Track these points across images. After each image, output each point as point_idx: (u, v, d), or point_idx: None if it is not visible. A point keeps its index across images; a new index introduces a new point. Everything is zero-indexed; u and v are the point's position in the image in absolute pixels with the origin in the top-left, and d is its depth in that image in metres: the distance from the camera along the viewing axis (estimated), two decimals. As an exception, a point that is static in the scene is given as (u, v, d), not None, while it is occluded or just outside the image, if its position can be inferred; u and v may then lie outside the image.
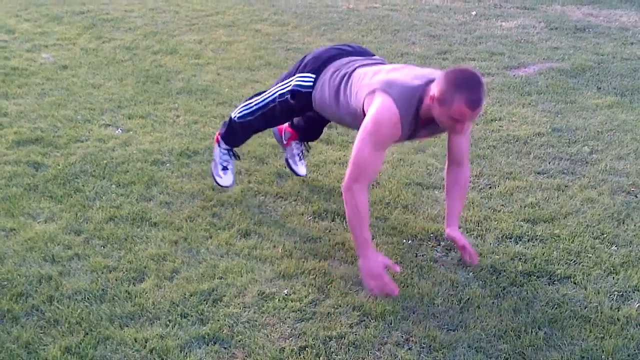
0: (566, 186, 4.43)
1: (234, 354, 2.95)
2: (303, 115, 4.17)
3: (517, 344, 3.03)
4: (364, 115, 3.33)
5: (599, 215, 4.07)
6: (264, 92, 3.95)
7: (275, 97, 3.82)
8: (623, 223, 4.00)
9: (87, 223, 3.89)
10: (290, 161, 4.41)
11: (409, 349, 3.00)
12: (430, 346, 3.01)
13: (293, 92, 3.71)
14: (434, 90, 3.13)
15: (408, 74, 3.34)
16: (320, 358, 2.92)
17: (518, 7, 9.41)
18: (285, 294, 3.33)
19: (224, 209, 4.08)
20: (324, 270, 3.52)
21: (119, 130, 5.17)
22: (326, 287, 3.40)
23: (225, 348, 2.98)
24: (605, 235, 3.87)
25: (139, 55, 7.06)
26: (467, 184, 3.75)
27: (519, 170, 4.64)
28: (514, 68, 6.83)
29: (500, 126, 5.37)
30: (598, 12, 9.15)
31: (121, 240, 3.73)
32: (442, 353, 2.97)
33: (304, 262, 3.58)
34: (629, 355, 2.98)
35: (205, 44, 7.54)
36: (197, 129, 5.20)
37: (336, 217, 4.01)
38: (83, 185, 4.29)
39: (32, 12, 8.72)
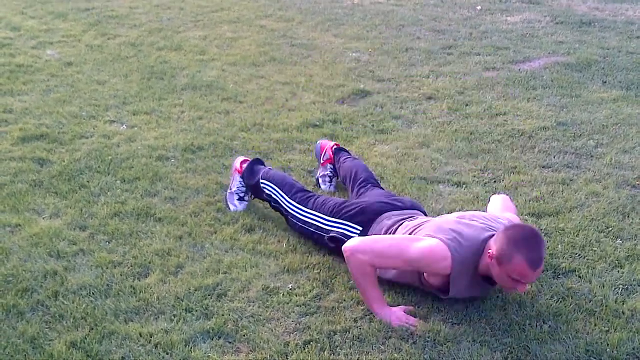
0: (571, 180, 4.42)
1: (238, 348, 2.95)
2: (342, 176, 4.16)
3: (522, 337, 3.03)
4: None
5: (604, 208, 4.06)
6: (299, 205, 3.74)
7: (312, 225, 3.66)
8: (628, 216, 3.99)
9: (92, 218, 3.89)
10: (320, 180, 4.32)
11: (414, 342, 3.00)
12: (434, 340, 3.01)
13: (334, 239, 3.53)
14: (493, 248, 3.00)
15: (466, 224, 3.20)
16: (325, 352, 2.93)
17: (523, 1, 9.38)
18: (290, 289, 3.33)
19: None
20: (328, 265, 3.52)
21: (124, 126, 5.18)
22: (330, 281, 3.40)
23: (229, 342, 2.98)
24: (610, 229, 3.86)
25: (143, 51, 7.06)
26: None
27: (523, 164, 4.63)
28: (519, 62, 6.82)
29: (505, 120, 5.36)
30: (603, 6, 9.12)
31: (126, 236, 3.74)
32: (447, 347, 2.97)
33: (308, 256, 3.58)
34: (633, 349, 2.98)
35: (210, 40, 7.54)
36: (202, 125, 5.20)
37: (341, 211, 4.00)
38: (88, 181, 4.30)
39: (37, 10, 8.73)
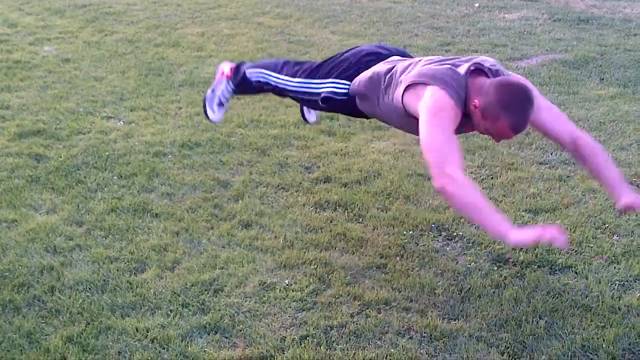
0: (568, 177, 4.42)
1: (235, 343, 2.95)
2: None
3: (518, 333, 3.03)
4: (404, 110, 3.18)
5: (601, 205, 4.07)
6: (291, 77, 3.71)
7: (304, 92, 3.67)
8: (624, 213, 3.99)
9: (88, 214, 3.89)
10: (305, 109, 4.38)
11: (410, 338, 3.00)
12: (431, 335, 3.02)
13: (325, 98, 3.56)
14: (479, 99, 2.96)
15: (445, 65, 3.17)
16: (321, 347, 2.93)
17: (521, -1, 9.39)
18: (286, 284, 3.33)
19: (226, 200, 4.09)
20: (325, 261, 3.52)
21: (121, 122, 5.18)
22: (327, 277, 3.40)
23: (226, 337, 2.98)
24: (606, 225, 3.87)
25: (141, 48, 7.06)
26: (600, 149, 3.22)
27: (520, 160, 4.63)
28: (516, 60, 6.82)
29: (502, 117, 5.36)
30: (601, 3, 9.12)
31: (123, 231, 3.74)
32: (443, 342, 2.98)
33: (305, 252, 3.58)
34: (629, 344, 2.98)
35: (207, 36, 7.54)
36: (199, 121, 5.20)
37: (337, 207, 4.01)
38: (85, 177, 4.30)
39: (34, 6, 8.72)
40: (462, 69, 3.10)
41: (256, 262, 3.51)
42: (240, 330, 3.02)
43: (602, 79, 6.24)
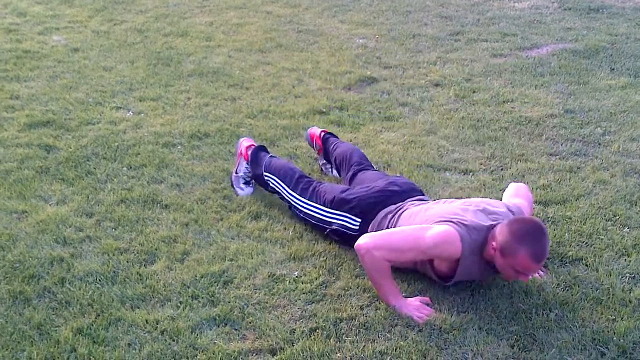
0: (578, 168, 4.41)
1: (244, 335, 2.96)
2: (333, 157, 4.18)
3: (528, 325, 3.02)
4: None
5: (611, 197, 4.05)
6: (301, 196, 3.74)
7: (313, 217, 3.67)
8: (635, 205, 3.98)
9: (98, 205, 3.90)
10: (323, 168, 4.34)
11: (419, 330, 3.00)
12: (441, 328, 3.01)
13: (336, 232, 3.57)
14: (497, 239, 3.02)
15: (471, 211, 3.21)
16: (331, 340, 2.93)
17: (531, -13, 9.33)
18: (296, 276, 3.33)
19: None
20: (334, 252, 3.52)
21: (130, 112, 5.17)
22: (337, 269, 3.40)
23: (235, 329, 2.99)
24: (617, 217, 3.85)
25: (150, 37, 7.05)
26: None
27: (531, 152, 4.62)
28: (526, 49, 6.78)
29: (512, 108, 5.34)
30: (612, -8, 9.06)
31: (132, 223, 3.74)
32: (453, 335, 2.97)
33: (314, 244, 3.58)
34: (640, 337, 2.98)
35: (216, 26, 7.52)
36: (208, 111, 5.19)
37: (347, 199, 4.00)
38: (94, 168, 4.30)
39: (43, -5, 8.72)
40: (487, 222, 3.14)
41: (265, 253, 3.51)
42: (250, 322, 3.02)
43: (613, 69, 6.20)
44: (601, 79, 5.95)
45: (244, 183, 4.08)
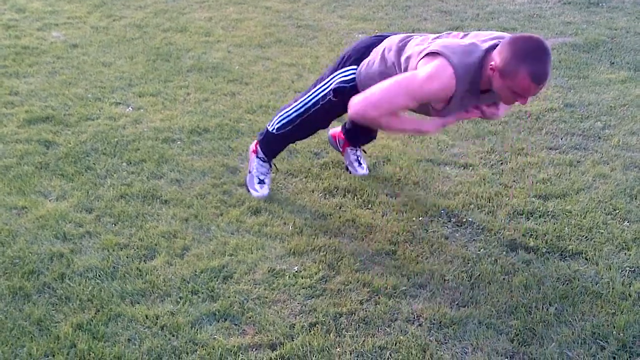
0: (578, 162, 4.40)
1: (244, 330, 2.96)
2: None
3: (528, 320, 3.02)
4: None
5: (611, 190, 4.05)
6: (301, 98, 3.74)
7: (318, 100, 3.63)
8: (635, 199, 3.98)
9: (98, 201, 3.90)
10: (350, 168, 4.25)
11: (419, 325, 3.00)
12: (440, 322, 3.01)
13: (336, 90, 3.52)
14: (496, 59, 2.91)
15: (464, 39, 3.14)
16: (331, 334, 2.93)
17: (531, -19, 9.32)
18: (296, 271, 3.33)
19: (235, 186, 4.08)
20: (334, 247, 3.52)
21: (130, 108, 5.17)
22: (336, 263, 3.40)
23: (235, 324, 2.99)
24: (617, 211, 3.85)
25: (149, 33, 7.04)
26: None
27: (530, 146, 4.61)
28: (526, 43, 6.76)
29: (512, 102, 5.33)
30: (612, -14, 9.05)
31: (132, 218, 3.74)
32: (453, 329, 2.97)
33: (314, 239, 3.58)
34: (640, 331, 2.98)
35: (215, 21, 7.51)
36: (208, 107, 5.19)
37: (347, 193, 4.00)
38: (94, 163, 4.30)
39: (42, -9, 8.70)
40: (485, 45, 3.05)
41: (265, 248, 3.51)
42: (250, 317, 3.02)
43: (613, 63, 6.20)
44: (601, 72, 5.95)
45: (258, 183, 3.99)
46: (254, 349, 2.85)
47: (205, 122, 4.90)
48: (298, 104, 3.74)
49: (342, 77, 3.52)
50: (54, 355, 2.79)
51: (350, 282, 3.26)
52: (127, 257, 3.41)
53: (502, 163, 4.40)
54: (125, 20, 7.48)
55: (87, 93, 5.42)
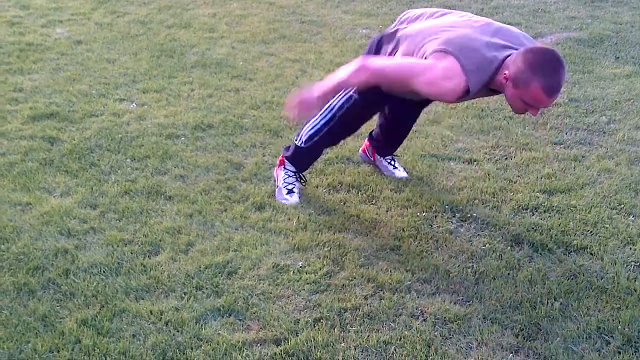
0: (583, 156, 4.39)
1: (249, 325, 2.96)
2: (380, 127, 4.10)
3: (533, 315, 3.02)
4: None
5: (616, 185, 4.04)
6: (325, 107, 3.70)
7: (343, 103, 3.61)
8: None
9: (102, 197, 3.90)
10: (387, 173, 4.19)
11: (424, 320, 3.00)
12: (445, 317, 3.01)
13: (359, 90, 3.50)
14: (510, 69, 2.89)
15: (483, 38, 3.07)
16: (335, 330, 2.93)
17: (535, -24, 9.30)
18: (300, 266, 3.33)
19: (239, 182, 4.08)
20: (338, 243, 3.51)
21: (134, 104, 5.17)
22: (341, 259, 3.39)
23: (240, 320, 2.99)
24: (622, 206, 3.84)
25: (153, 29, 7.04)
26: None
27: (535, 140, 4.60)
28: (531, 38, 6.75)
29: (516, 97, 5.32)
30: (617, -20, 9.02)
31: (136, 214, 3.74)
32: (457, 324, 2.97)
33: (318, 234, 3.58)
34: (645, 326, 2.97)
35: (219, 17, 7.51)
36: (212, 103, 5.19)
37: (351, 189, 4.00)
38: (98, 160, 4.30)
39: (46, -12, 8.70)
40: (504, 54, 3.00)
41: (269, 244, 3.51)
42: (254, 313, 3.02)
43: (618, 58, 6.18)
44: (606, 67, 5.94)
45: (287, 193, 3.91)
46: (258, 344, 2.85)
47: (209, 118, 4.90)
48: (324, 112, 3.69)
49: None
50: (58, 351, 2.79)
51: (355, 278, 3.26)
52: (131, 253, 3.41)
53: (506, 158, 4.39)
54: (129, 17, 7.48)
55: (91, 89, 5.42)
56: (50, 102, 5.14)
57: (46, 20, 7.29)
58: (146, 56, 6.20)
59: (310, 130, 3.77)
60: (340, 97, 3.62)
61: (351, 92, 3.57)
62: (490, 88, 3.08)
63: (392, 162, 4.20)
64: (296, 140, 3.86)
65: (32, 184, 4.01)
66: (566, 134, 4.71)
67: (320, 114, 3.71)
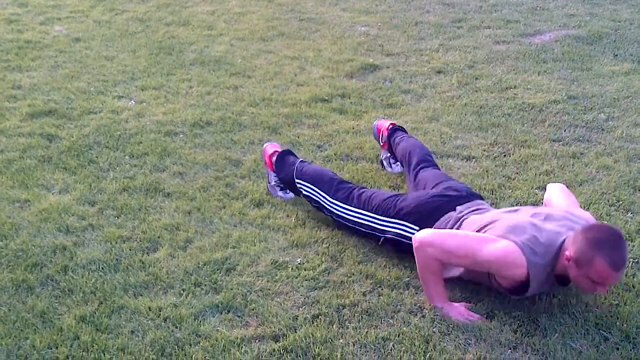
0: (582, 154, 4.39)
1: (247, 322, 2.96)
2: (400, 162, 4.03)
3: (532, 310, 3.02)
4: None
5: (615, 182, 4.04)
6: (338, 186, 3.60)
7: (363, 225, 3.46)
8: (639, 190, 3.96)
9: (101, 194, 3.90)
10: (385, 162, 4.20)
11: (422, 316, 2.99)
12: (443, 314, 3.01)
13: (391, 241, 3.36)
14: (570, 249, 2.82)
15: (544, 225, 2.98)
16: (334, 326, 2.93)
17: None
18: (299, 263, 3.33)
19: (237, 179, 4.08)
20: (337, 239, 3.51)
21: (132, 101, 5.17)
22: (339, 255, 3.39)
23: (238, 316, 2.99)
24: (620, 203, 3.84)
25: (151, 27, 7.04)
26: None
27: (534, 138, 4.60)
28: (529, 35, 6.75)
29: (515, 94, 5.33)
30: (615, -22, 9.02)
31: (135, 211, 3.74)
32: (456, 320, 2.97)
33: (317, 231, 3.58)
34: (643, 322, 2.97)
35: (218, 15, 7.50)
36: (210, 100, 5.19)
37: (349, 186, 3.99)
38: (97, 157, 4.30)
39: (45, -15, 8.69)
40: (562, 236, 2.94)
41: (268, 241, 3.51)
42: (253, 309, 3.02)
43: (616, 55, 6.18)
44: (604, 65, 5.93)
45: (280, 190, 3.92)
46: (257, 341, 2.85)
47: (208, 115, 4.90)
48: (340, 208, 3.55)
49: (401, 231, 3.33)
50: (57, 347, 2.79)
51: (353, 274, 3.26)
52: (130, 250, 3.41)
53: (505, 155, 4.39)
54: (127, 14, 7.48)
55: (89, 87, 5.42)
56: (49, 100, 5.14)
57: (44, 18, 7.29)
58: (145, 53, 6.20)
59: (312, 195, 3.67)
60: (373, 222, 3.44)
61: (379, 233, 3.42)
62: (556, 274, 2.96)
63: (393, 158, 4.20)
64: (296, 174, 3.76)
65: (30, 181, 4.01)
66: (565, 131, 4.70)
67: (333, 201, 3.58)
